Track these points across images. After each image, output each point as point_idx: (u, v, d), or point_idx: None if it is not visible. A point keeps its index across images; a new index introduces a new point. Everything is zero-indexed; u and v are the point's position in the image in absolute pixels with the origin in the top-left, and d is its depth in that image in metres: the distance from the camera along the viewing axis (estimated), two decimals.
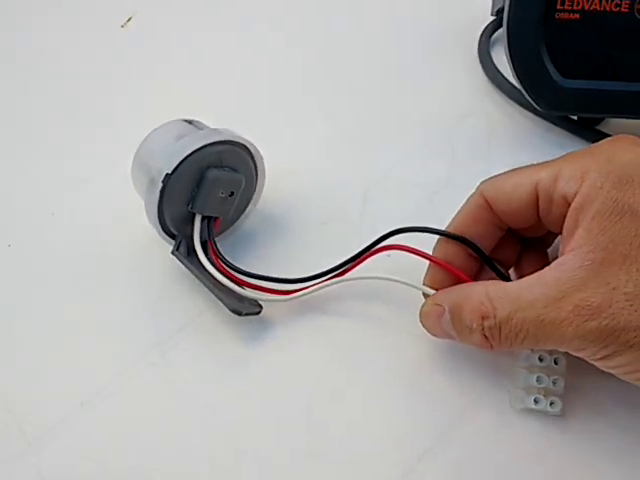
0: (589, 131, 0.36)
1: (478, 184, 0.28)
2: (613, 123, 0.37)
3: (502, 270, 0.28)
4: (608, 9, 0.33)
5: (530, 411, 0.26)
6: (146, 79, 0.43)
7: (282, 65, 0.43)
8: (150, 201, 0.29)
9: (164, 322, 0.30)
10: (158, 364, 0.29)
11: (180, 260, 0.30)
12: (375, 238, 0.29)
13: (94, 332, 0.30)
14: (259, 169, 0.32)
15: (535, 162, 0.35)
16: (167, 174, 0.28)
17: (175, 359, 0.29)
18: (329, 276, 0.29)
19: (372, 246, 0.29)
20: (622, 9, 0.33)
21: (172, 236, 0.31)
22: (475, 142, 0.38)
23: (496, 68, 0.41)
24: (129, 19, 0.45)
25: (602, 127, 0.37)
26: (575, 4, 0.33)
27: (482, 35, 0.44)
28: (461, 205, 0.28)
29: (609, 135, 0.34)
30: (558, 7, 0.33)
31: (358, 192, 0.35)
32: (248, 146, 0.30)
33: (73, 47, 0.44)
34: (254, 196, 0.32)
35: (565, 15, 0.33)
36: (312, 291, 0.29)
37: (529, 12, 0.33)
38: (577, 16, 0.33)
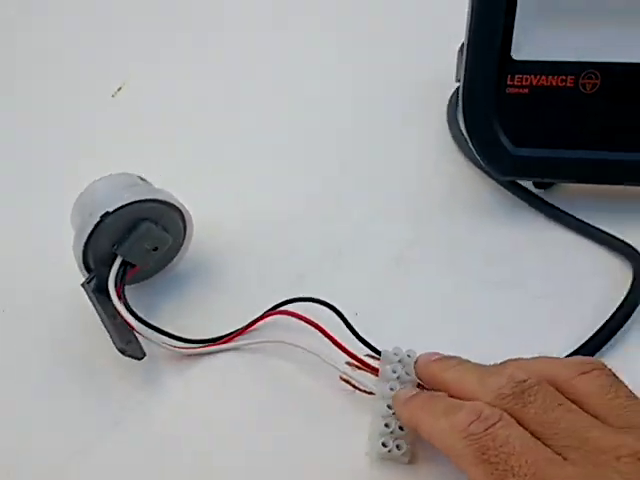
0: (535, 198, 0.39)
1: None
2: (564, 186, 0.40)
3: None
4: (554, 84, 0.36)
5: (382, 458, 0.28)
6: (118, 142, 0.46)
7: (252, 128, 0.46)
8: (81, 235, 0.32)
9: None
10: None
11: (87, 293, 0.32)
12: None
13: None
14: (187, 234, 0.35)
15: (494, 223, 0.38)
16: (107, 211, 0.32)
17: None
18: (220, 342, 0.32)
19: (266, 313, 0.32)
20: (567, 84, 0.36)
21: (88, 270, 0.33)
22: (440, 202, 0.40)
23: (462, 132, 0.43)
24: (119, 88, 0.48)
25: (554, 190, 0.39)
26: (524, 80, 0.36)
27: (450, 99, 0.47)
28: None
29: (553, 205, 0.37)
30: (508, 82, 0.36)
31: (321, 252, 0.38)
32: (183, 212, 0.34)
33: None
34: (175, 258, 0.36)
35: (515, 90, 0.36)
36: (203, 352, 0.32)
37: (482, 87, 0.36)
38: (526, 90, 0.36)
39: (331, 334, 0.30)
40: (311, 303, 0.31)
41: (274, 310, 0.32)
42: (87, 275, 0.33)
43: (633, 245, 0.35)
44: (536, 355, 0.27)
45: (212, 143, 0.45)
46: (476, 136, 0.37)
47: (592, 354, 0.31)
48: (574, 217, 0.37)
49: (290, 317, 0.31)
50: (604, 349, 0.31)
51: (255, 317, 0.32)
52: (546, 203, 0.38)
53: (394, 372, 0.29)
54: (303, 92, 0.49)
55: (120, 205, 0.32)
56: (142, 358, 0.31)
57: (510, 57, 0.35)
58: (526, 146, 0.37)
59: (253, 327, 0.32)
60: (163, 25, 0.57)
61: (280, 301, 0.32)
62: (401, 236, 0.38)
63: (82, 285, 0.33)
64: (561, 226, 0.38)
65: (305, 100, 0.48)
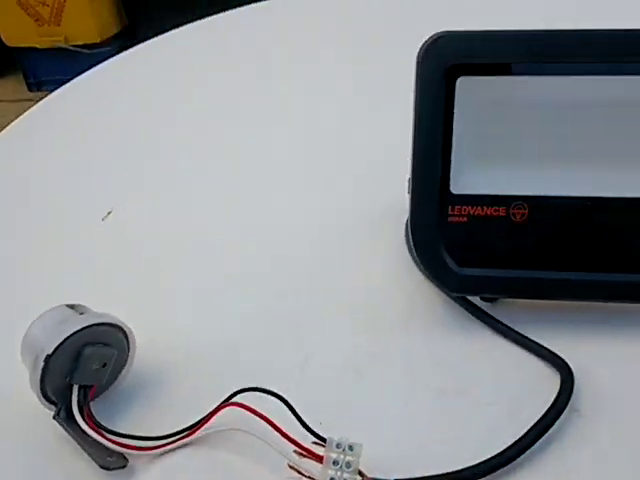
0: (481, 312, 0.43)
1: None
2: (508, 300, 0.44)
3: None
4: (489, 214, 0.41)
5: None
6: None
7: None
8: (33, 378, 0.36)
9: None
10: None
11: (60, 424, 0.36)
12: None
13: None
14: (130, 342, 0.39)
15: (447, 334, 0.42)
16: (48, 354, 0.36)
17: None
18: (183, 434, 0.36)
19: (221, 405, 0.36)
20: (500, 214, 0.41)
21: (54, 403, 0.37)
22: (398, 316, 0.45)
23: None
24: (109, 213, 0.54)
25: (500, 303, 0.44)
26: (463, 210, 0.41)
27: (406, 221, 0.52)
28: None
29: (495, 319, 0.42)
30: (449, 212, 0.41)
31: (284, 361, 0.42)
32: (122, 326, 0.38)
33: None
34: (127, 364, 0.40)
35: (455, 219, 0.41)
36: (171, 448, 0.36)
37: (426, 216, 0.41)
38: (465, 219, 0.41)
39: (277, 424, 0.34)
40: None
41: (227, 402, 0.36)
42: (52, 407, 0.37)
43: (562, 356, 0.40)
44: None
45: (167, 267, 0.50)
46: (424, 258, 0.42)
47: (522, 453, 0.34)
48: (514, 330, 0.42)
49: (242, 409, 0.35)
50: (534, 448, 0.35)
51: (210, 410, 0.36)
52: (490, 316, 0.43)
53: (336, 463, 0.33)
54: (263, 204, 0.55)
55: (57, 344, 0.36)
56: (125, 466, 0.35)
57: (449, 191, 0.41)
58: (469, 266, 0.42)
59: (210, 420, 0.36)
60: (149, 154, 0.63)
61: (232, 392, 0.36)
62: (362, 347, 0.42)
63: (53, 418, 0.37)
64: (503, 338, 0.42)
65: (271, 212, 0.54)
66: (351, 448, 0.33)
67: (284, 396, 0.35)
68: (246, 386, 0.36)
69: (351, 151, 0.60)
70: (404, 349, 0.42)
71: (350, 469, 0.33)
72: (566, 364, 0.39)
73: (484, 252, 0.42)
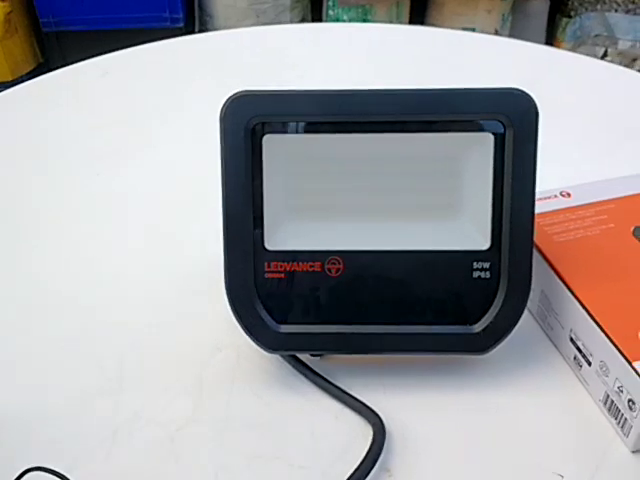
0: (306, 368, 0.43)
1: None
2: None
3: None
4: (305, 269, 0.41)
5: None
6: None
7: None
8: None
9: None
10: None
11: None
12: None
13: None
14: None
15: (271, 395, 0.41)
16: None
17: None
18: None
19: None
20: (316, 269, 0.41)
21: None
22: (223, 376, 0.44)
23: None
24: None
25: (327, 358, 0.44)
26: (279, 267, 0.41)
27: None
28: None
29: (319, 375, 0.41)
30: (266, 269, 0.41)
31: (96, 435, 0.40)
32: None
33: None
34: None
35: (272, 275, 0.41)
36: None
37: (242, 274, 0.40)
38: (282, 275, 0.41)
39: None
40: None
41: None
42: None
43: (376, 410, 0.39)
44: None
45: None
46: (241, 317, 0.41)
47: None
48: (334, 385, 0.41)
49: None
50: None
51: None
52: (315, 372, 0.42)
53: None
54: (93, 271, 0.53)
55: None
56: None
57: (264, 248, 0.40)
58: (287, 323, 0.41)
59: None
60: None
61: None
62: (181, 412, 0.41)
63: None
64: (326, 394, 0.42)
65: (90, 276, 0.52)
66: None
67: (68, 476, 0.33)
68: (46, 464, 0.34)
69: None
70: (225, 413, 0.41)
71: None
72: (380, 420, 0.39)
73: (302, 308, 0.41)
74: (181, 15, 2.00)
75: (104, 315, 0.48)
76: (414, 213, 0.41)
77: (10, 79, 2.21)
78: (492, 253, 0.40)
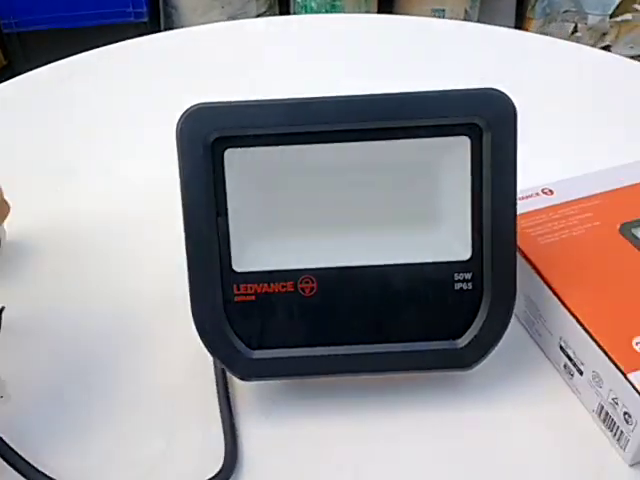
0: None
1: None
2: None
3: None
4: (277, 290, 0.38)
5: None
6: None
7: None
8: None
9: None
10: None
11: None
12: None
13: None
14: None
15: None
16: None
17: None
18: None
19: None
20: (288, 289, 0.38)
21: None
22: (196, 407, 0.41)
23: None
24: None
25: None
26: (249, 289, 0.38)
27: None
28: None
29: None
30: (235, 292, 0.38)
31: None
32: None
33: None
34: None
35: (242, 298, 0.38)
36: None
37: (208, 299, 0.38)
38: (253, 297, 0.38)
39: None
40: None
41: None
42: None
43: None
44: None
45: None
46: (210, 344, 0.38)
47: None
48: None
49: None
50: None
51: None
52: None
53: None
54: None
55: None
56: None
57: (232, 269, 0.38)
58: (261, 348, 0.39)
59: None
60: None
61: None
62: (154, 449, 0.39)
63: None
64: None
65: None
66: None
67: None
68: None
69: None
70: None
71: None
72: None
73: (276, 332, 0.39)
74: (145, 9, 1.95)
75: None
76: (389, 225, 0.38)
77: None
78: (474, 263, 0.38)
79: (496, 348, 0.39)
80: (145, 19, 1.95)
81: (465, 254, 0.38)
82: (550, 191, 0.47)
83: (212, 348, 0.39)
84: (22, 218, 0.52)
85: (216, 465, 0.37)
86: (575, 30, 1.96)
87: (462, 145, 0.37)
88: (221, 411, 0.40)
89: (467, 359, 0.39)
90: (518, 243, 0.40)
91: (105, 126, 0.66)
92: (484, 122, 0.37)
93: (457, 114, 0.37)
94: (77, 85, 0.73)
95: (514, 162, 0.37)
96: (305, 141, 0.37)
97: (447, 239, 0.38)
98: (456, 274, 0.38)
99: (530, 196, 0.47)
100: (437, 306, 0.39)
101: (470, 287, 0.38)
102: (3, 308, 0.43)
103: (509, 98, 0.37)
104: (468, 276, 0.38)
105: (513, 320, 0.43)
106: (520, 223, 0.44)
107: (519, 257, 0.42)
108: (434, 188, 0.38)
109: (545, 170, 0.49)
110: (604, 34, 1.96)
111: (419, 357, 0.39)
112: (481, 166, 0.37)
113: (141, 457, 0.38)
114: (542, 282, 0.41)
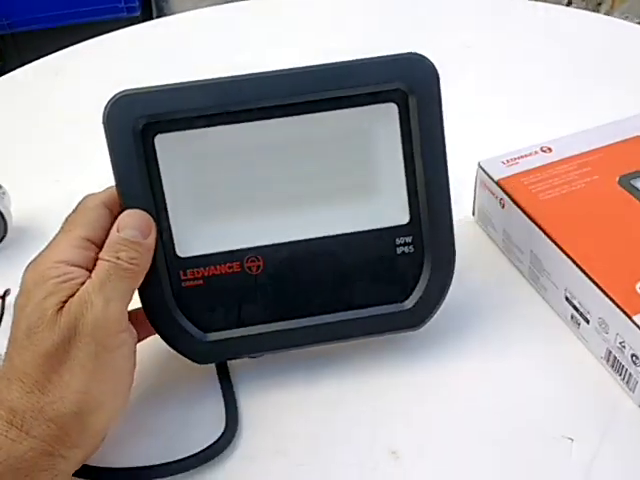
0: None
1: None
2: None
3: None
4: (224, 272, 0.39)
5: None
6: None
7: None
8: None
9: None
10: None
11: None
12: None
13: None
14: None
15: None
16: None
17: None
18: None
19: None
20: (235, 269, 0.39)
21: None
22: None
23: None
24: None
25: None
26: (196, 273, 0.39)
27: None
28: None
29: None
30: (182, 278, 0.39)
31: None
32: None
33: None
34: None
35: (191, 283, 0.39)
36: None
37: (159, 286, 0.38)
38: (201, 282, 0.39)
39: None
40: None
41: None
42: None
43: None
44: None
45: None
46: (163, 332, 0.39)
47: None
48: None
49: None
50: None
51: None
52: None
53: None
54: None
55: None
56: None
57: (177, 255, 0.39)
58: (214, 331, 0.39)
59: None
60: None
61: None
62: None
63: None
64: None
65: None
66: None
67: None
68: None
69: None
70: None
71: None
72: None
73: (228, 313, 0.39)
74: (137, 3, 1.95)
75: None
76: (328, 197, 0.39)
77: None
78: (413, 226, 0.39)
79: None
80: (137, 13, 1.95)
81: (404, 218, 0.39)
82: (549, 149, 0.47)
83: (164, 336, 0.39)
84: (28, 203, 0.53)
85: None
86: (570, 1, 1.92)
87: (390, 112, 0.37)
88: (220, 381, 0.41)
89: (415, 319, 0.39)
90: (520, 200, 0.42)
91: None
92: (407, 86, 0.37)
93: (380, 81, 0.37)
94: (79, 73, 0.74)
95: (441, 123, 0.37)
96: (235, 120, 0.37)
97: (385, 205, 0.39)
98: (397, 238, 0.39)
99: (530, 154, 0.47)
100: (382, 271, 0.39)
101: (412, 250, 0.39)
102: (8, 290, 0.44)
103: (430, 61, 0.37)
104: (409, 239, 0.39)
105: (519, 278, 0.44)
106: (522, 181, 0.44)
107: (521, 214, 0.43)
108: (367, 157, 0.38)
109: (541, 131, 0.49)
110: (599, 4, 1.91)
111: (371, 322, 0.40)
112: (410, 131, 0.37)
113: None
114: (545, 236, 0.41)
